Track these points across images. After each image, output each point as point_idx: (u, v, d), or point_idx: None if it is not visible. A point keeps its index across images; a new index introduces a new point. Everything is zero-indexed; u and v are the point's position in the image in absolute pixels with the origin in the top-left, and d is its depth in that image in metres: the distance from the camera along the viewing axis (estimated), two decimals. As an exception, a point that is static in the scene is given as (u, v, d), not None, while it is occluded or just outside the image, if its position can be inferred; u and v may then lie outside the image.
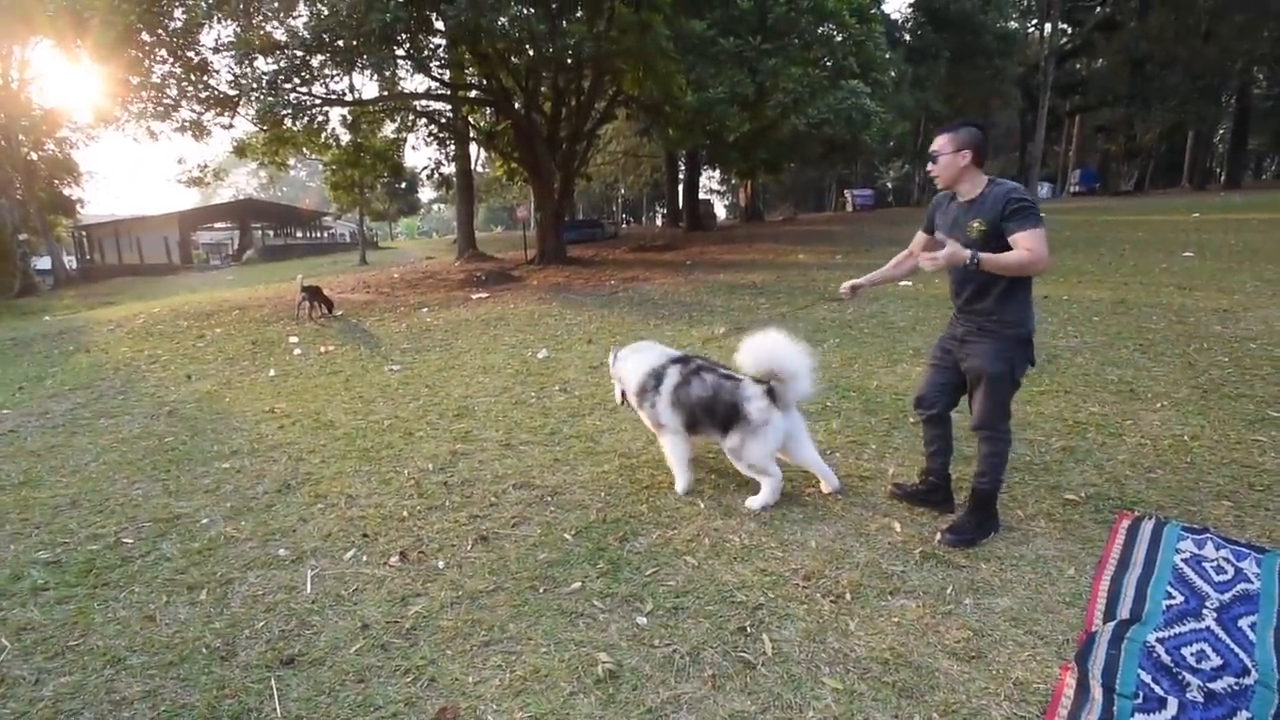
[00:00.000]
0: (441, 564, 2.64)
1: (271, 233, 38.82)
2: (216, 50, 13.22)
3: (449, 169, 22.16)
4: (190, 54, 12.90)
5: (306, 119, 11.64)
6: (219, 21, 12.54)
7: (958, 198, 2.57)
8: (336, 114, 15.69)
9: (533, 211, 19.75)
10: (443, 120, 18.45)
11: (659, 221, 51.13)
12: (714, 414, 2.94)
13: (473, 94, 16.82)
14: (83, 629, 2.33)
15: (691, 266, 14.17)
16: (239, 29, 12.39)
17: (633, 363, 3.18)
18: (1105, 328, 5.98)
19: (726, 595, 2.31)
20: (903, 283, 8.20)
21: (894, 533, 2.71)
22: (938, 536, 2.63)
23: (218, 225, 42.19)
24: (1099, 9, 32.06)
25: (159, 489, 3.64)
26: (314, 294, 10.14)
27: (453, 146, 20.13)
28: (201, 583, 2.60)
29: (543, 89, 16.65)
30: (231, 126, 13.36)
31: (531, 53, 9.99)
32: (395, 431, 4.41)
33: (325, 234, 47.34)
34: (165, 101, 12.19)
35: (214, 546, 2.91)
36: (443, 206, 75.07)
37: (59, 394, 6.17)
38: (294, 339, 8.13)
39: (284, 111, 11.05)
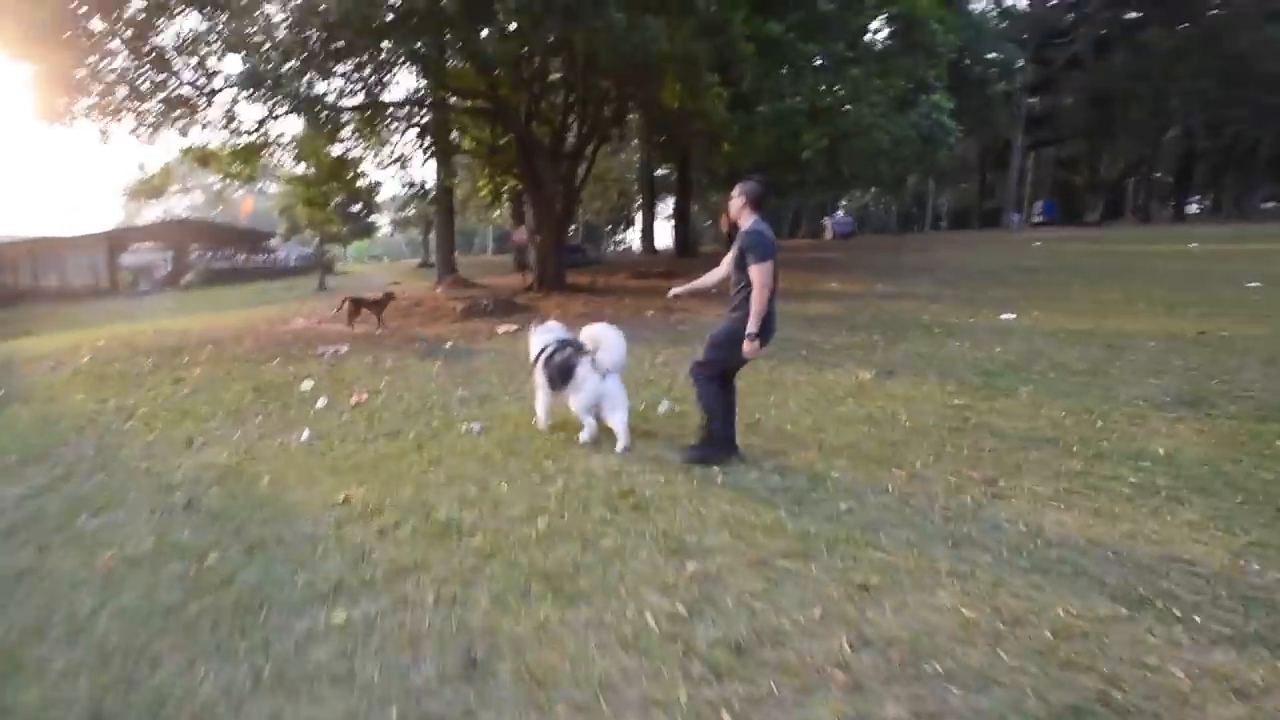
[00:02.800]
0: None
1: (216, 255, 35.70)
2: (180, 49, 11.46)
3: (422, 185, 20.51)
4: (150, 46, 11.09)
5: (324, 115, 9.93)
6: (190, 11, 10.83)
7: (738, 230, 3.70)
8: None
9: (530, 234, 18.30)
10: (424, 131, 16.93)
11: (632, 248, 50.14)
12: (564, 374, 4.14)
13: (468, 102, 15.36)
14: None
15: (721, 295, 13.05)
16: (214, 22, 10.71)
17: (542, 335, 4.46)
18: None
19: None
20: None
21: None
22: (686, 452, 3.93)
23: (144, 247, 38.64)
24: (1070, 45, 33.33)
25: (244, 680, 2.11)
26: (364, 304, 10.49)
27: (432, 163, 18.57)
28: None
29: (544, 101, 15.41)
30: (204, 125, 11.48)
31: (601, 51, 8.66)
32: (566, 539, 2.98)
33: (267, 258, 44.17)
34: (125, 99, 10.31)
35: None
36: (392, 230, 72.29)
37: (3, 470, 4.41)
38: (307, 384, 6.48)
39: (324, 114, 9.36)
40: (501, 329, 9.72)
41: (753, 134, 10.05)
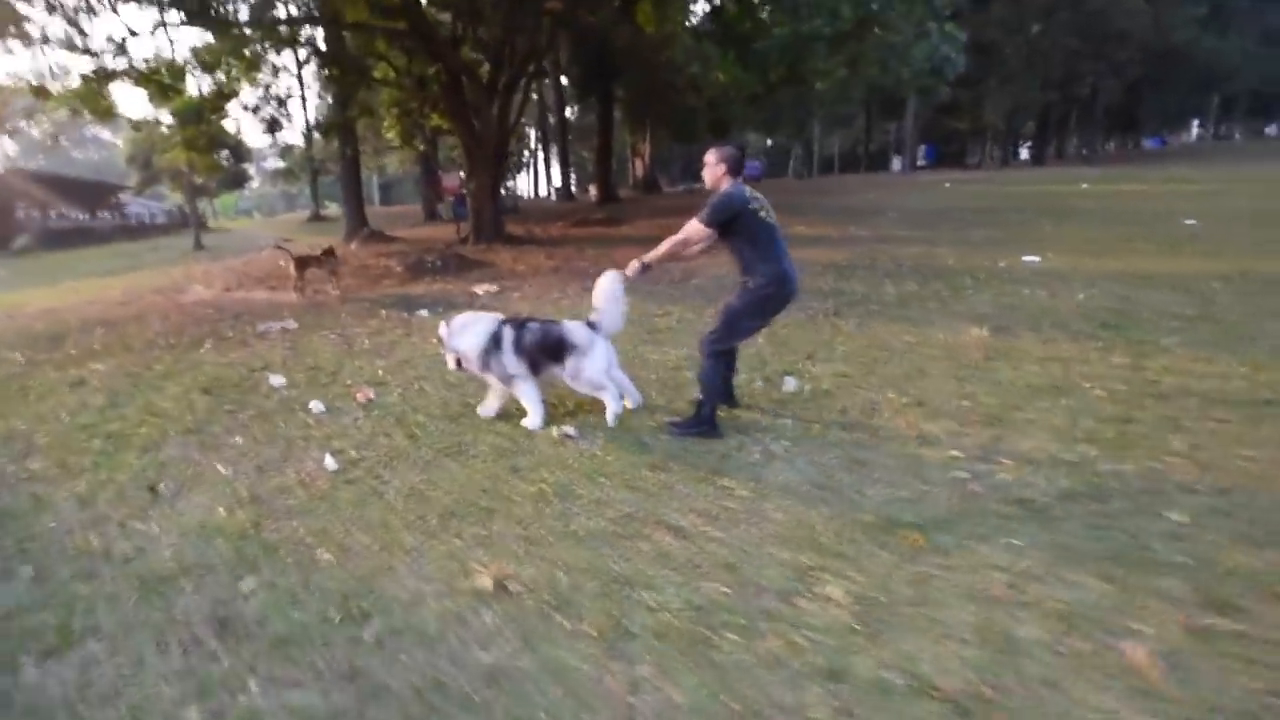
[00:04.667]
0: None
1: (52, 214, 29.85)
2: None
3: (317, 125, 17.60)
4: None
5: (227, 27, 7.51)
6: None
7: None
8: (187, 45, 11.25)
9: (462, 180, 16.18)
10: (325, 59, 14.27)
11: (521, 195, 47.40)
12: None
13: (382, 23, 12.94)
14: None
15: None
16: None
17: (465, 324, 3.74)
18: None
19: None
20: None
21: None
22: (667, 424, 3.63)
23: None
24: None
25: None
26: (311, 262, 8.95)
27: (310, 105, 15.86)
28: None
29: (477, 24, 13.28)
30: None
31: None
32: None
33: (116, 215, 37.67)
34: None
35: None
36: (266, 184, 64.46)
37: None
38: (275, 378, 4.89)
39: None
40: (480, 289, 8.22)
41: (744, 67, 8.87)
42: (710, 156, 3.44)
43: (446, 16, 13.37)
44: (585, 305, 7.37)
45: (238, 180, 42.83)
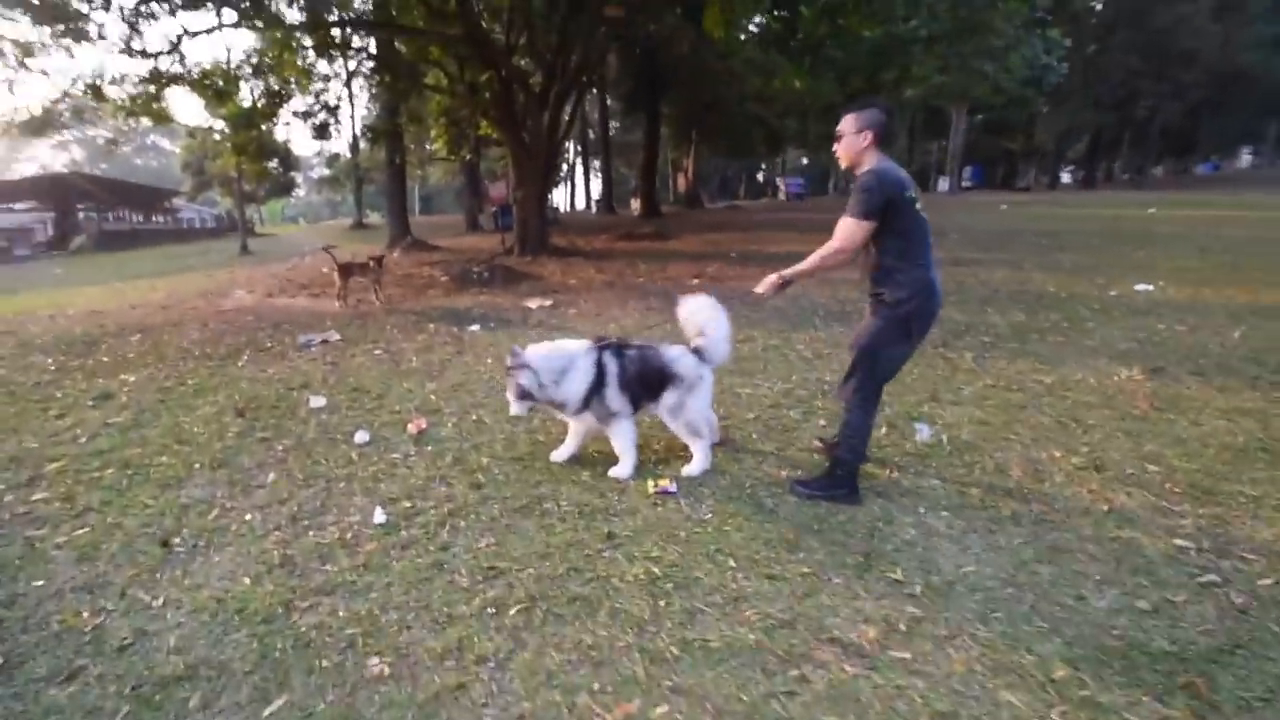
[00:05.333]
0: None
1: (109, 216, 30.58)
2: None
3: (366, 132, 17.48)
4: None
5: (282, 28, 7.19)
6: None
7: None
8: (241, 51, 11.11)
9: (510, 190, 15.78)
10: (378, 64, 14.06)
11: (559, 209, 47.29)
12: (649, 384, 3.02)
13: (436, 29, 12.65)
14: None
15: (742, 259, 11.33)
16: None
17: (559, 363, 2.95)
18: None
19: None
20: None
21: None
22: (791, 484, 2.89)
23: (18, 206, 32.85)
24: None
25: None
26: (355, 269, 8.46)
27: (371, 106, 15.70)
28: None
29: (530, 31, 12.91)
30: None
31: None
32: None
33: (169, 219, 38.62)
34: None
35: None
36: (312, 192, 65.95)
37: None
38: (315, 400, 4.35)
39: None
40: (533, 303, 7.65)
41: (815, 76, 8.22)
42: (848, 123, 2.60)
43: (499, 25, 13.04)
44: (647, 324, 6.82)
45: (285, 187, 43.65)
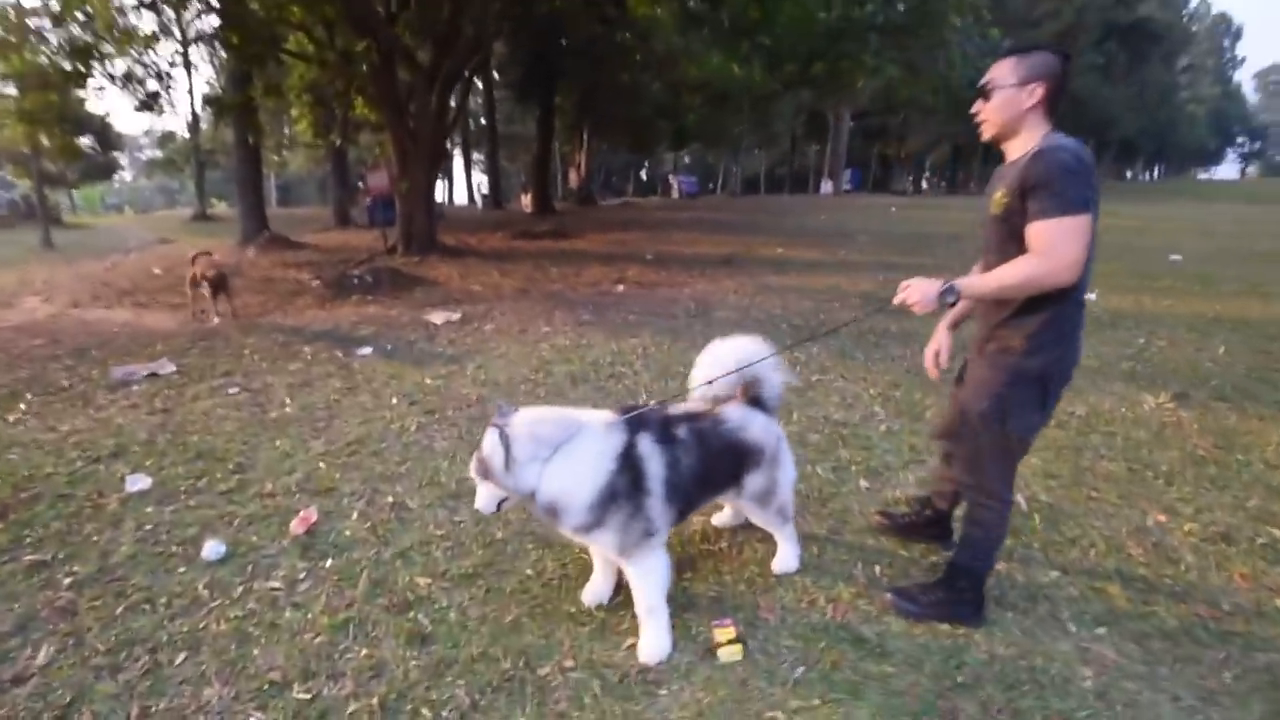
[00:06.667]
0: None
1: None
2: None
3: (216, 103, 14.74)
4: None
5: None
6: None
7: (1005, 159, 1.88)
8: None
9: (393, 180, 13.79)
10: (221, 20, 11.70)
11: (460, 201, 44.51)
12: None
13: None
14: None
15: (660, 262, 10.53)
16: None
17: (554, 434, 1.82)
18: None
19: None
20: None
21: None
22: (888, 595, 2.10)
23: None
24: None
25: None
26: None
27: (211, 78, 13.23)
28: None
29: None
30: None
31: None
32: None
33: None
34: None
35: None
36: (141, 176, 57.47)
37: None
38: (137, 479, 2.89)
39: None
40: (438, 317, 6.30)
41: (742, 61, 7.50)
42: (1006, 70, 1.78)
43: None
44: (581, 342, 5.72)
45: (105, 170, 37.31)
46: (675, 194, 37.69)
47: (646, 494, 1.84)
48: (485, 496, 1.86)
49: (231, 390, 4.22)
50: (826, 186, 40.85)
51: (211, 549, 2.37)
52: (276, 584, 2.20)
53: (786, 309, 6.43)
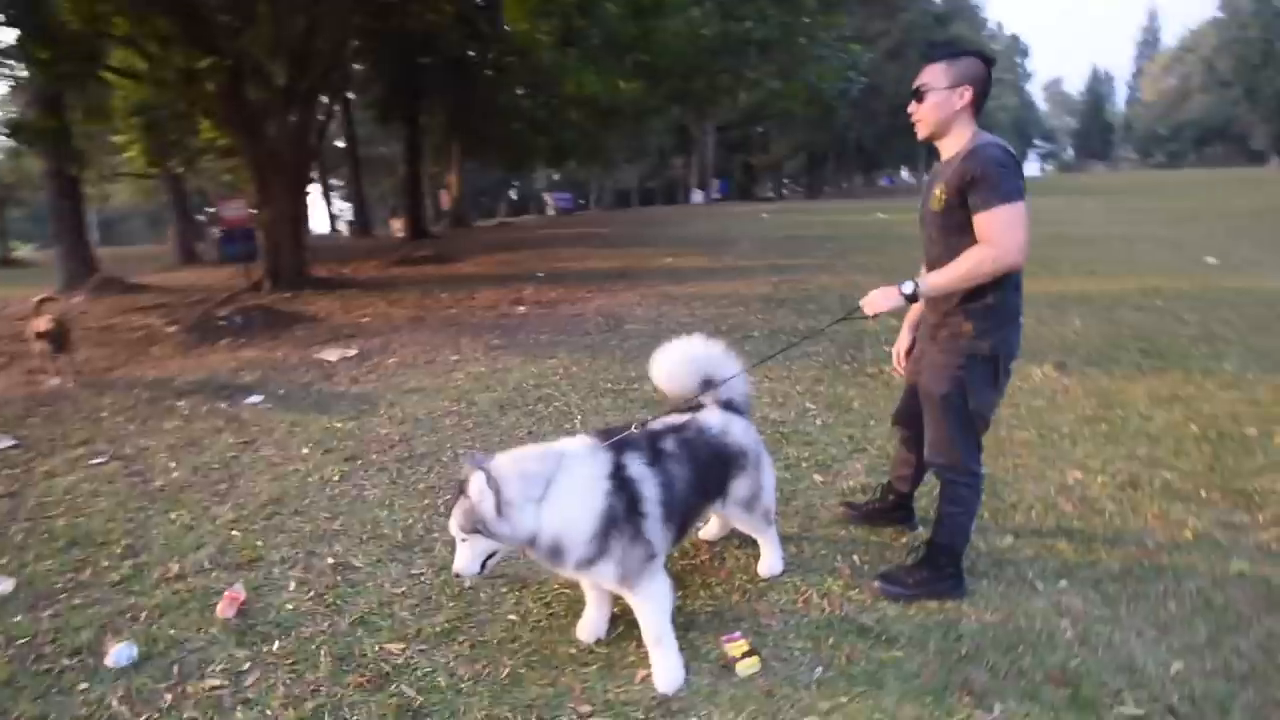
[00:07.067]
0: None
1: None
2: None
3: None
4: None
5: None
6: None
7: (940, 158, 2.03)
8: None
9: (252, 210, 12.47)
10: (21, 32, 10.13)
11: (321, 229, 41.43)
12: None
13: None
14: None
15: (554, 279, 10.42)
16: None
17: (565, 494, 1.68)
18: None
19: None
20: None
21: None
22: (875, 582, 2.15)
23: None
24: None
25: None
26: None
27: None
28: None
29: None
30: None
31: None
32: None
33: None
34: None
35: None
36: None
37: None
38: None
39: None
40: (332, 355, 5.77)
41: (617, 77, 7.59)
42: (936, 74, 1.92)
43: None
44: (497, 367, 5.46)
45: None
46: (551, 211, 37.65)
47: (644, 516, 1.76)
48: (468, 556, 1.70)
49: (96, 460, 3.60)
50: (697, 196, 42.56)
51: (119, 653, 1.97)
52: (216, 681, 1.87)
53: (695, 316, 6.55)
